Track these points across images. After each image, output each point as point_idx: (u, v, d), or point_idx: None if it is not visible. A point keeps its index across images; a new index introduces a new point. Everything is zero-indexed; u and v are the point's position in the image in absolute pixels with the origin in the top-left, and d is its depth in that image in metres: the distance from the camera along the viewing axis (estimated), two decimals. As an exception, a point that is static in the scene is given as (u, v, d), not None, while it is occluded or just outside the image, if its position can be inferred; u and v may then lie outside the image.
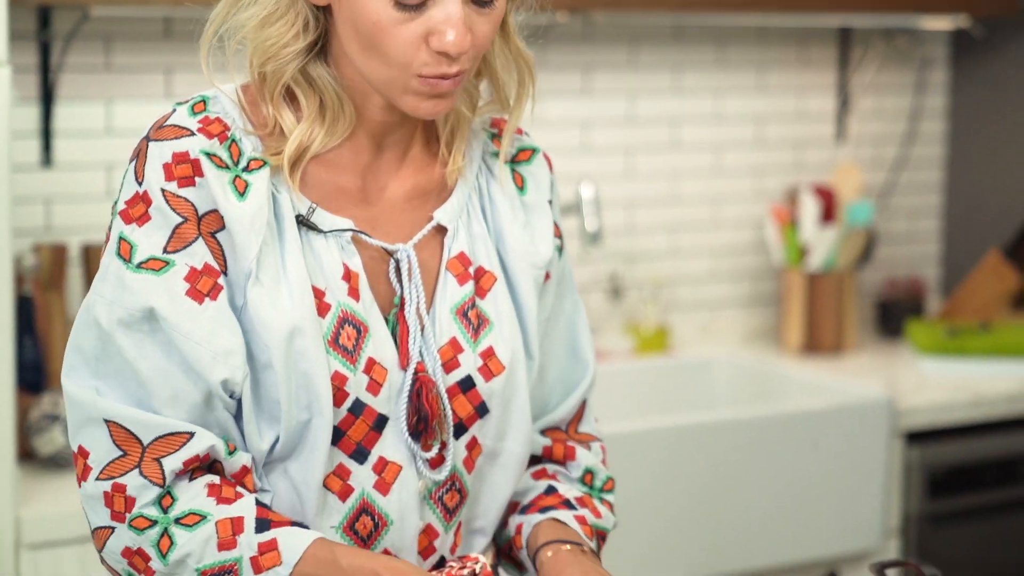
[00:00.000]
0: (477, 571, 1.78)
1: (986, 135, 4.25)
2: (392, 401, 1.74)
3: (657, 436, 3.20)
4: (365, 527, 1.75)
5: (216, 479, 1.68)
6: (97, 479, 1.67)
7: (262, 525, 1.66)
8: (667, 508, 3.20)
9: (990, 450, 3.64)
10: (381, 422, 1.74)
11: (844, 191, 3.99)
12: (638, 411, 3.70)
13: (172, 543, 1.65)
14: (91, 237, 3.16)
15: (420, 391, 1.74)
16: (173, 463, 1.66)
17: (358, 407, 1.72)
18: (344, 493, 1.74)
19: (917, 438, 3.55)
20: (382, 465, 1.74)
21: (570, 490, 1.90)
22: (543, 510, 1.86)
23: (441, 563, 1.81)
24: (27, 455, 2.91)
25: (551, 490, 1.89)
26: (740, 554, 3.28)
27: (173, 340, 1.66)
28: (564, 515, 1.85)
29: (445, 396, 1.76)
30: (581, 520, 1.86)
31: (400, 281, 1.77)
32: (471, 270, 1.81)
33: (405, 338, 1.75)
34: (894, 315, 4.14)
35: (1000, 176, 4.24)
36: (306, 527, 1.69)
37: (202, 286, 1.67)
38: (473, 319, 1.79)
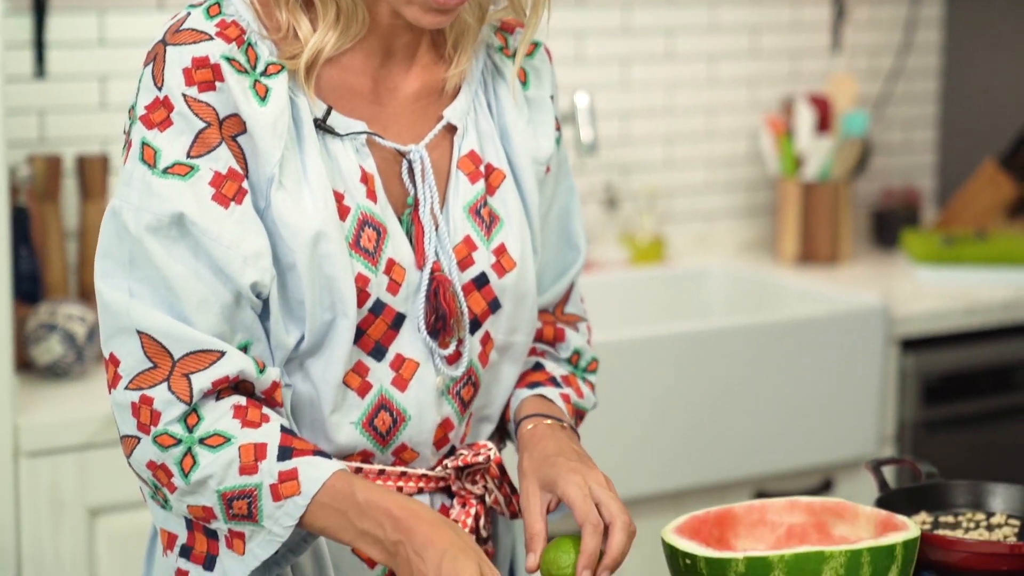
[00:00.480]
0: (490, 457, 1.82)
1: (982, 45, 4.24)
2: (409, 300, 1.77)
3: (653, 345, 3.21)
4: (384, 423, 1.78)
5: (243, 400, 1.69)
6: (127, 388, 1.67)
7: (284, 453, 1.67)
8: (663, 416, 3.22)
9: (984, 358, 3.65)
10: (399, 320, 1.77)
11: (839, 101, 3.98)
12: (634, 321, 3.70)
13: (195, 463, 1.66)
14: (85, 148, 3.15)
15: (437, 290, 1.77)
16: (202, 381, 1.66)
17: (378, 307, 1.74)
18: (363, 390, 1.76)
19: (912, 346, 3.57)
20: (399, 362, 1.77)
21: (557, 368, 1.95)
22: (531, 385, 1.92)
23: (451, 452, 1.85)
24: (24, 365, 2.92)
25: (539, 367, 1.95)
26: (736, 462, 3.30)
27: (202, 244, 1.67)
28: (550, 392, 1.91)
29: (461, 294, 1.79)
30: (565, 398, 1.91)
31: (413, 182, 1.79)
32: (481, 168, 1.83)
33: (420, 238, 1.78)
34: (889, 225, 4.14)
35: (996, 86, 4.23)
36: (328, 456, 1.69)
37: (227, 190, 1.68)
38: (485, 217, 1.82)
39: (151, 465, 1.68)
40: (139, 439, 1.68)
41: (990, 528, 1.95)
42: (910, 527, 1.72)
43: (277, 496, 1.65)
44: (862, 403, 3.47)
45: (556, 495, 1.76)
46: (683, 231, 4.00)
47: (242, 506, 1.66)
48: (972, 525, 1.96)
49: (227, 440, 1.67)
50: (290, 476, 1.66)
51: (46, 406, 2.77)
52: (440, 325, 1.78)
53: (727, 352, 3.29)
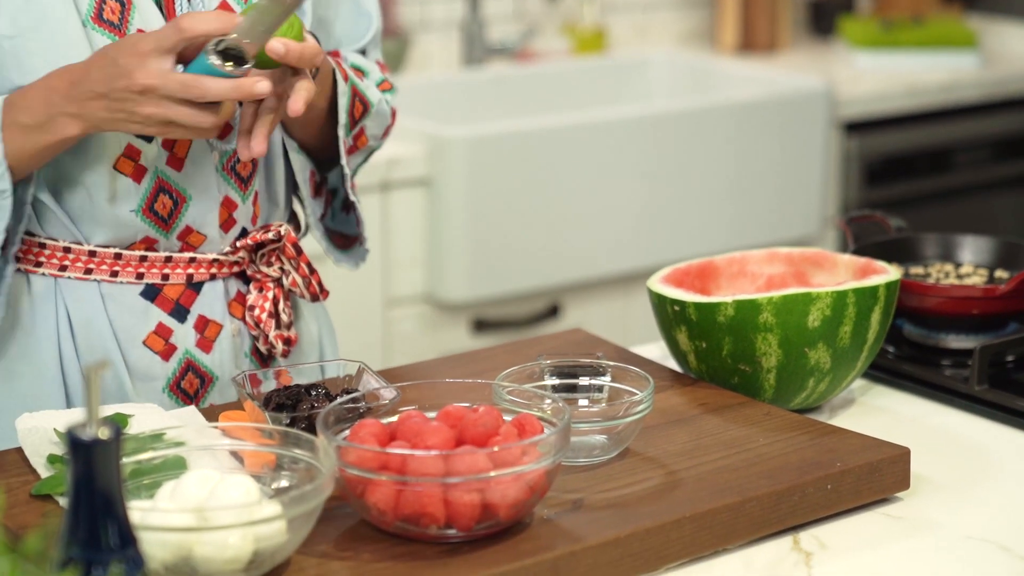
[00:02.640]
0: (282, 233, 1.76)
1: None
2: None
3: (598, 130, 3.22)
4: (165, 206, 1.71)
5: None
6: None
7: None
8: (608, 201, 3.24)
9: (925, 140, 3.69)
10: None
11: None
12: (577, 109, 3.71)
13: None
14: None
15: None
16: None
17: None
18: (138, 174, 1.70)
19: (855, 128, 3.60)
20: (171, 142, 1.70)
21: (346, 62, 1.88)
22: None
23: (244, 234, 1.78)
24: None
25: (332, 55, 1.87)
26: (682, 244, 3.33)
27: None
28: (335, 60, 1.82)
29: None
30: (348, 71, 1.83)
31: None
32: None
33: (171, 6, 1.70)
34: (826, 13, 4.15)
35: None
36: None
37: None
38: None
39: None
40: None
41: (960, 278, 2.00)
42: (889, 271, 1.76)
43: None
44: (806, 185, 3.51)
45: None
46: (623, 21, 3.99)
47: None
48: (942, 275, 2.00)
49: None
50: None
51: None
52: None
53: (672, 136, 3.31)
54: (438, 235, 3.05)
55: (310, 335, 1.88)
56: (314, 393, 1.57)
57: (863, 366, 1.74)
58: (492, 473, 1.35)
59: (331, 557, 1.35)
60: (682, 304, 1.72)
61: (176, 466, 1.44)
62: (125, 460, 1.41)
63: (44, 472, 1.50)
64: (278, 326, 1.79)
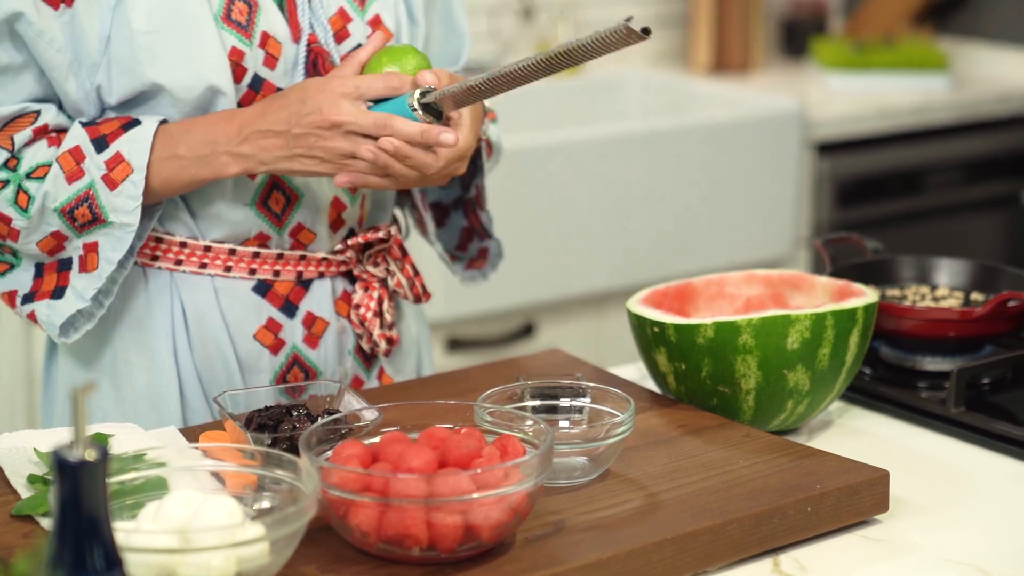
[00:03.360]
0: (392, 234, 1.82)
1: None
2: (288, 75, 1.74)
3: (571, 149, 3.23)
4: (278, 202, 1.77)
5: (54, 133, 1.71)
6: None
7: (100, 144, 1.68)
8: (581, 221, 3.24)
9: (896, 161, 3.71)
10: None
11: (750, -91, 3.98)
12: (550, 129, 3.71)
13: (29, 197, 1.68)
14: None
15: (316, 61, 1.75)
16: (24, 136, 1.69)
17: (257, 83, 1.72)
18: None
19: (827, 150, 3.62)
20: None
21: None
22: None
23: (351, 234, 1.84)
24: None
25: None
26: (654, 262, 3.34)
27: (35, 45, 1.67)
28: None
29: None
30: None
31: None
32: None
33: (293, 10, 1.75)
34: (798, 34, 4.18)
35: None
36: (137, 121, 1.70)
37: None
38: None
39: None
40: None
41: (936, 300, 2.01)
42: (868, 293, 1.77)
43: (112, 184, 1.68)
44: (779, 206, 3.52)
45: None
46: (596, 41, 3.99)
47: (84, 212, 1.68)
48: (918, 298, 2.01)
49: (49, 167, 1.69)
50: (116, 161, 1.68)
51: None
52: None
53: (645, 155, 3.32)
54: (413, 253, 3.04)
55: (410, 336, 1.94)
56: (295, 414, 1.57)
57: (841, 388, 1.75)
58: (475, 495, 1.35)
59: (314, 578, 1.35)
60: (662, 326, 1.72)
61: (157, 487, 1.44)
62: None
63: (24, 492, 1.49)
64: (382, 325, 1.84)
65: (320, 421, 1.49)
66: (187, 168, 1.68)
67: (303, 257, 1.80)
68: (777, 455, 1.61)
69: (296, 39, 1.75)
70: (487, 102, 1.94)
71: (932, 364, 1.91)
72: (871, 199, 3.68)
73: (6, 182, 1.69)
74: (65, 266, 1.72)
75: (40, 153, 1.70)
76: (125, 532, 1.27)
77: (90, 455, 1.12)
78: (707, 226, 3.42)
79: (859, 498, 1.54)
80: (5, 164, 1.69)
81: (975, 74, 4.10)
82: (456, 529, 1.35)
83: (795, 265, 3.58)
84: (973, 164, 3.85)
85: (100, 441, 1.56)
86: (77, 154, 1.68)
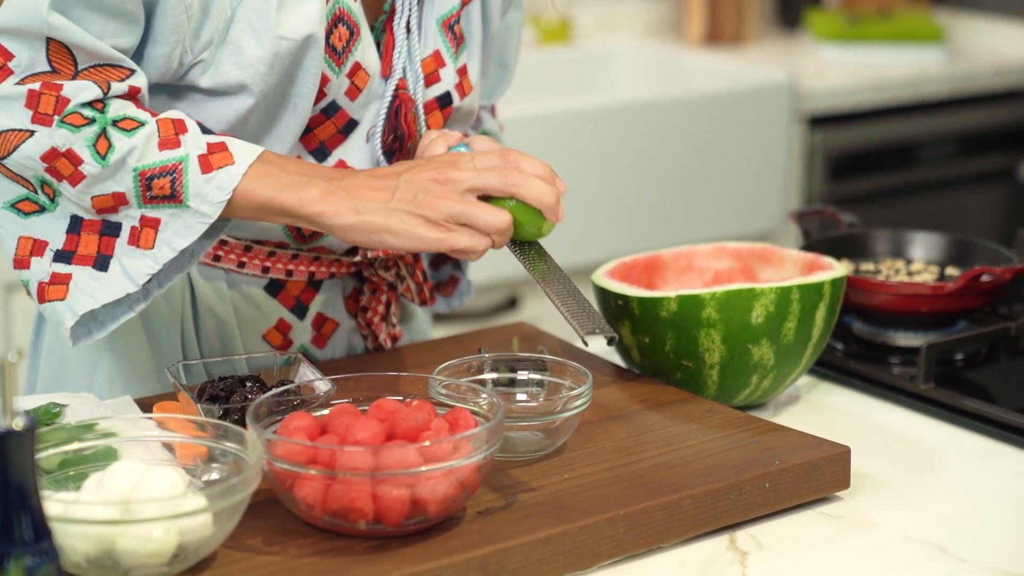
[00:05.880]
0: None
1: None
2: (364, 108, 1.69)
3: (562, 121, 3.20)
4: (305, 229, 1.72)
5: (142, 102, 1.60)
6: (17, 84, 1.52)
7: (205, 129, 1.59)
8: (572, 191, 3.22)
9: (890, 135, 3.69)
10: (350, 126, 1.69)
11: None
12: (541, 100, 3.69)
13: (111, 145, 1.52)
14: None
15: (399, 109, 1.70)
16: (119, 87, 1.55)
17: (332, 109, 1.66)
18: None
19: (819, 122, 3.59)
20: (342, 167, 1.69)
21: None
22: None
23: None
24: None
25: None
26: (641, 235, 3.32)
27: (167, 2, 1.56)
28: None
29: (423, 115, 1.73)
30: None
31: None
32: None
33: (390, 48, 1.70)
34: (793, 5, 4.14)
35: None
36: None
37: None
38: (457, 33, 1.75)
39: (50, 155, 1.52)
40: (32, 132, 1.52)
41: (910, 275, 1.98)
42: (836, 267, 1.74)
43: (207, 167, 1.52)
44: (770, 179, 3.50)
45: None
46: (589, 12, 3.97)
47: (164, 185, 1.52)
48: (893, 272, 1.99)
49: (141, 124, 1.53)
50: (220, 148, 1.53)
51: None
52: (396, 146, 1.71)
53: (636, 127, 3.30)
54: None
55: (423, 335, 1.94)
56: (248, 385, 1.55)
57: (808, 363, 1.72)
58: (422, 468, 1.33)
59: (258, 551, 1.34)
60: (625, 298, 1.70)
61: (107, 457, 1.42)
62: (54, 451, 1.40)
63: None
64: (388, 327, 1.83)
65: (270, 392, 1.47)
66: (271, 184, 1.52)
67: (317, 258, 1.76)
68: (738, 430, 1.59)
69: (385, 75, 1.70)
70: (486, 102, 1.94)
71: (904, 340, 1.89)
72: (865, 173, 3.65)
73: (92, 120, 1.52)
74: (111, 231, 1.56)
75: (130, 108, 1.55)
76: (64, 503, 1.25)
77: (17, 424, 1.10)
78: (697, 198, 3.40)
79: (819, 474, 1.52)
80: (91, 103, 1.53)
81: (971, 47, 4.07)
82: (403, 503, 1.33)
83: (784, 239, 3.55)
84: (968, 138, 3.82)
85: (53, 411, 1.55)
86: (179, 125, 1.54)
